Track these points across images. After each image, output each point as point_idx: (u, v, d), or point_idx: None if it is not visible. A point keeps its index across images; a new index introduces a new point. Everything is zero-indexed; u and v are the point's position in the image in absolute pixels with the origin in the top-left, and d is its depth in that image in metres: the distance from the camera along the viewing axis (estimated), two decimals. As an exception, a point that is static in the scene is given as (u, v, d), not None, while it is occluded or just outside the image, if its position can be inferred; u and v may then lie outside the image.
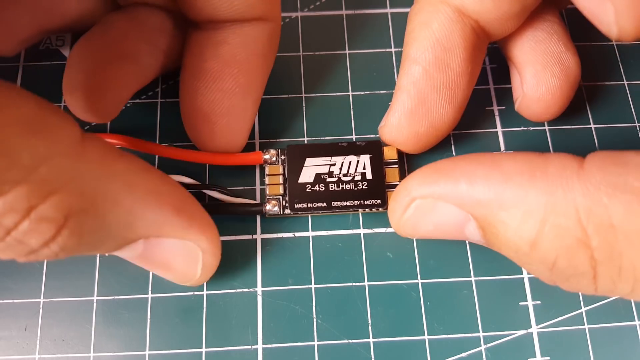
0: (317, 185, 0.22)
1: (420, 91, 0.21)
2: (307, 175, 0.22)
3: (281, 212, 0.22)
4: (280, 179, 0.22)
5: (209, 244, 0.18)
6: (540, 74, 0.21)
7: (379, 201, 0.22)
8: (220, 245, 0.19)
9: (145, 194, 0.16)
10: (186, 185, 0.22)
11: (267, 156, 0.22)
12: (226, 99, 0.21)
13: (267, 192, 0.22)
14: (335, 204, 0.21)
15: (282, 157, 0.22)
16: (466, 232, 0.17)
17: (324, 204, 0.21)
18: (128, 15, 0.22)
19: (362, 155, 0.22)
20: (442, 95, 0.21)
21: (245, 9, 0.19)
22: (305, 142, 0.24)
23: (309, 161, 0.22)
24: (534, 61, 0.21)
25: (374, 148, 0.22)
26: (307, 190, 0.22)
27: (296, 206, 0.21)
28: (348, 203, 0.21)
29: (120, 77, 0.21)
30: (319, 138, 0.24)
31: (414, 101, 0.21)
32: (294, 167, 0.22)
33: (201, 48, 0.20)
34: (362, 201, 0.22)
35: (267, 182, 0.22)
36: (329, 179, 0.22)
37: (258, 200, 0.23)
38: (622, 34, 0.17)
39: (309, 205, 0.21)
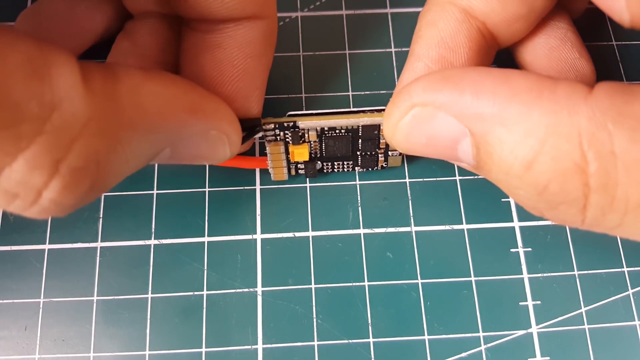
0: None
1: None
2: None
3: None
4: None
5: (229, 126, 0.18)
6: None
7: (382, 107, 0.20)
8: (237, 119, 0.19)
9: (157, 109, 0.16)
10: None
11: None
12: (228, 105, 0.21)
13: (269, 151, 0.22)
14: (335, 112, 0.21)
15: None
16: (459, 149, 0.17)
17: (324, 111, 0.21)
18: (135, 45, 0.22)
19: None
20: None
21: (238, 7, 0.19)
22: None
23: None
24: (548, 68, 0.21)
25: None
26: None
27: (292, 113, 0.21)
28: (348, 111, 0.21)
29: None
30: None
31: None
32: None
33: (197, 54, 0.20)
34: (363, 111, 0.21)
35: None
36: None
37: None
38: (635, 20, 0.16)
39: (308, 112, 0.21)
